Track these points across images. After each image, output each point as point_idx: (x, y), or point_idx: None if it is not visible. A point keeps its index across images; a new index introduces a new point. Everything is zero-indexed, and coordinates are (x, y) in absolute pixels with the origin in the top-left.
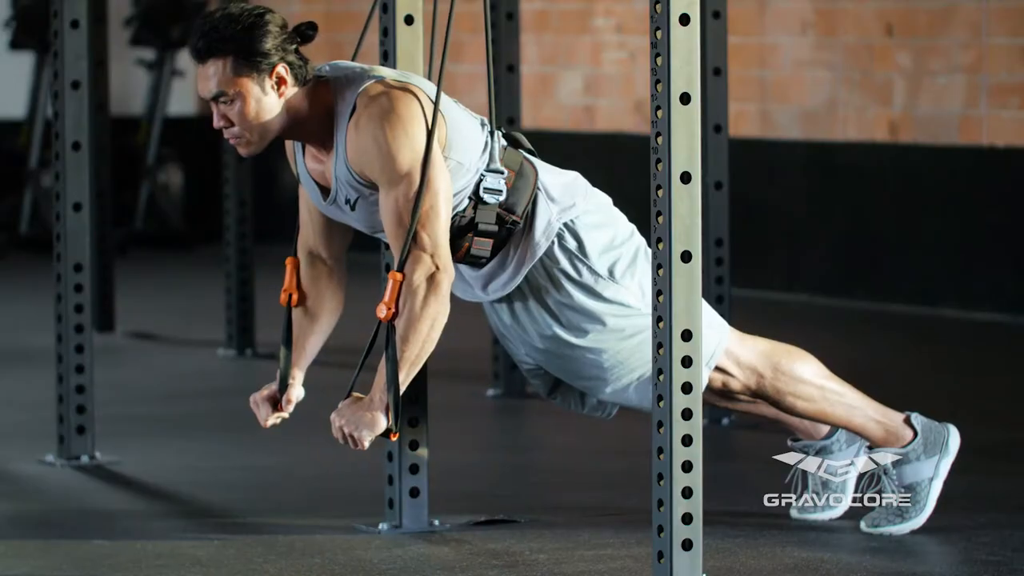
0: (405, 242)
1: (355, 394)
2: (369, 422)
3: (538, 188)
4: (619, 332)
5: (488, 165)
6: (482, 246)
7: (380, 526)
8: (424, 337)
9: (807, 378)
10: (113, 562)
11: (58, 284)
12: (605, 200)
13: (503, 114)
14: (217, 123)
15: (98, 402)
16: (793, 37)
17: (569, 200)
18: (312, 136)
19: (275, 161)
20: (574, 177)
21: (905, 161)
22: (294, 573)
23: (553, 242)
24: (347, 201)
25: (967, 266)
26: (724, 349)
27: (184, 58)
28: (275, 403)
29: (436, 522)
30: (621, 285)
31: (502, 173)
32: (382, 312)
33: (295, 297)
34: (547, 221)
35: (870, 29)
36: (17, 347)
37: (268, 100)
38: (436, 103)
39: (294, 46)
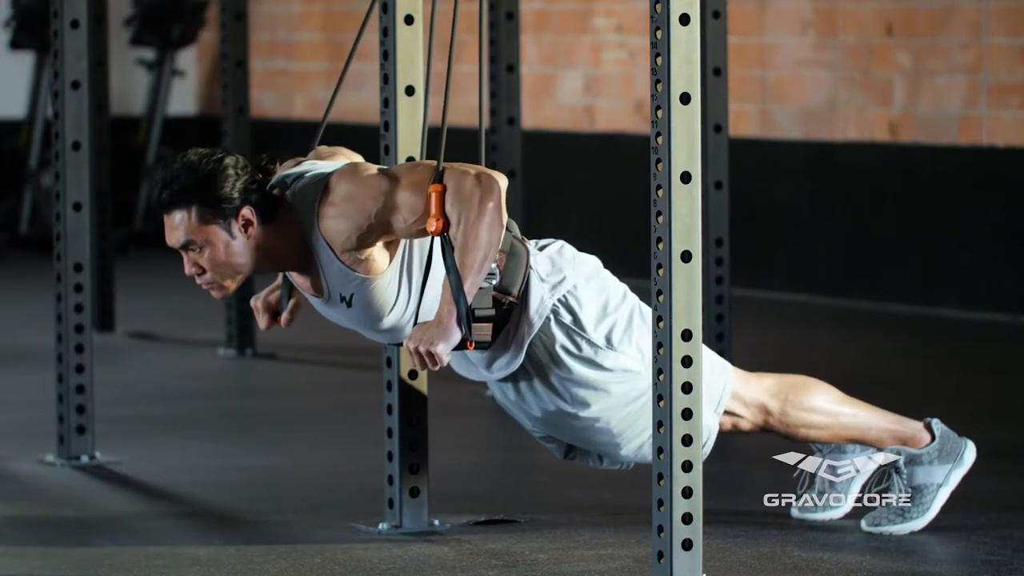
0: (437, 163)
1: (421, 321)
2: (443, 334)
3: (530, 267)
4: (623, 397)
5: None
6: (483, 331)
7: (380, 526)
8: (485, 243)
9: (818, 407)
10: (113, 562)
11: (58, 284)
12: (594, 265)
13: (503, 114)
14: (189, 270)
15: (98, 402)
16: (793, 37)
17: (558, 275)
18: (290, 264)
19: None
20: (559, 247)
21: (905, 161)
22: (294, 573)
23: (549, 319)
24: (343, 299)
25: (967, 266)
26: (731, 392)
27: (184, 58)
28: (275, 313)
29: (436, 522)
30: (620, 352)
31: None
32: (432, 225)
33: None
34: (540, 299)
35: (870, 29)
36: (17, 347)
37: (236, 244)
38: (444, 101)
39: (256, 184)
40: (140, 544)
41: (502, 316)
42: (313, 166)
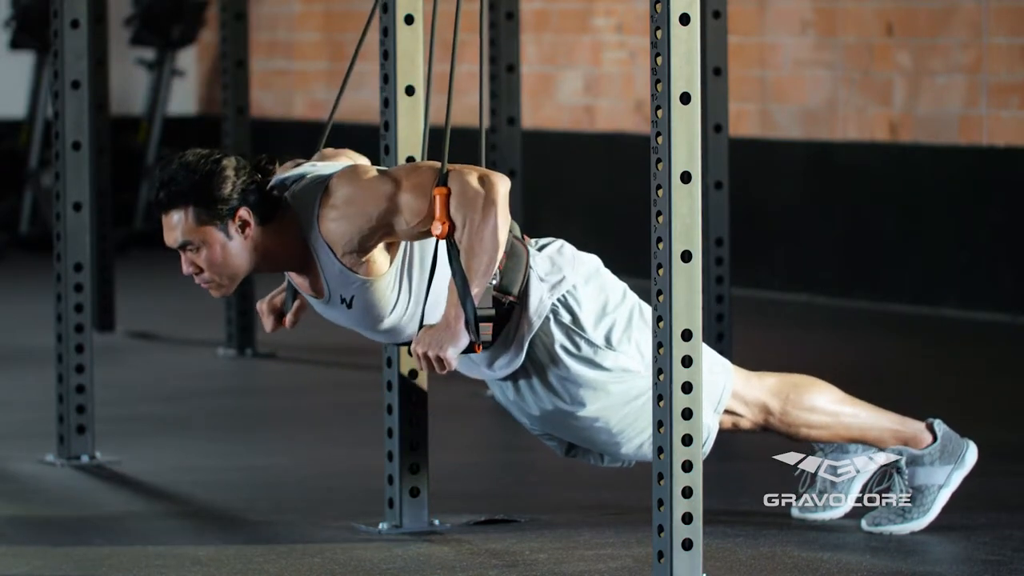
0: (441, 165)
1: (426, 325)
2: (452, 338)
3: (530, 267)
4: (623, 396)
5: None
6: (483, 331)
7: (380, 526)
8: (491, 246)
9: (819, 406)
10: (113, 562)
11: (58, 284)
12: (594, 264)
13: (503, 114)
14: (186, 270)
15: (98, 402)
16: (793, 37)
17: (557, 275)
18: (289, 265)
19: None
20: (559, 247)
21: (905, 161)
22: (294, 573)
23: (548, 318)
24: (343, 300)
25: (967, 266)
26: (731, 391)
27: (184, 58)
28: (280, 315)
29: (436, 522)
30: (619, 352)
31: None
32: (437, 229)
33: None
34: (539, 299)
35: (870, 29)
36: (17, 347)
37: (233, 244)
38: (447, 102)
39: (254, 185)
40: (140, 544)
41: (503, 315)
42: (313, 168)
